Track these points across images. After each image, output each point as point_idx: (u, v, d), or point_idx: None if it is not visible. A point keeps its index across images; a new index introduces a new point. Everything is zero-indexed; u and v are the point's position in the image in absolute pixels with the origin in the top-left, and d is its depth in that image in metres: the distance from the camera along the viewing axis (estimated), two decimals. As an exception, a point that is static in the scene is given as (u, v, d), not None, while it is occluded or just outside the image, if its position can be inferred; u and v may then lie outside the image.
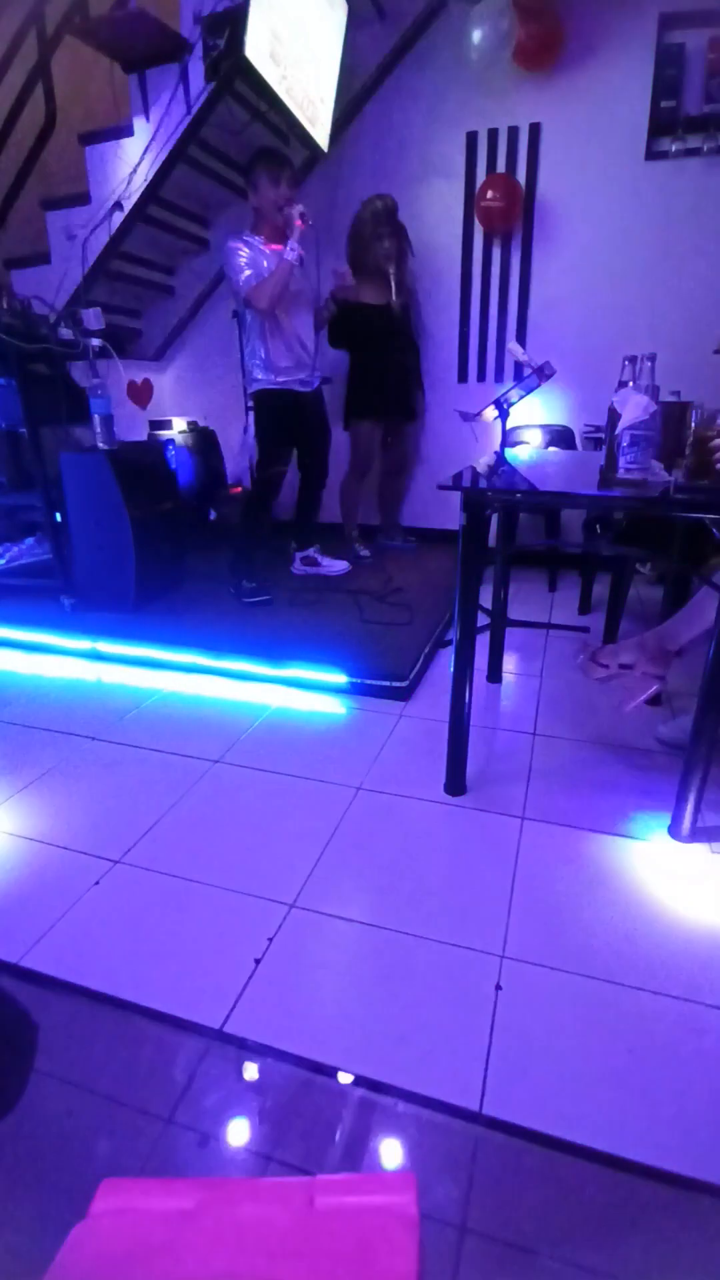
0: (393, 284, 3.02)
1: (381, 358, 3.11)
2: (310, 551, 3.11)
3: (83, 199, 2.95)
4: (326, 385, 2.96)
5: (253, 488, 2.82)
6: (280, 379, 2.69)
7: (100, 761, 1.76)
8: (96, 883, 1.32)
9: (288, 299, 2.59)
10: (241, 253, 2.49)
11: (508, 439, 2.18)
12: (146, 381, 3.70)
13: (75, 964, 1.13)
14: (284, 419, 2.76)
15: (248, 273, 2.49)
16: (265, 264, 2.51)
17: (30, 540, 3.08)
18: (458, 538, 1.44)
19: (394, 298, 3.04)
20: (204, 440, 3.71)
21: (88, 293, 3.03)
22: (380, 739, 1.86)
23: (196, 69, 2.57)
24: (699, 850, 1.40)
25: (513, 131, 3.04)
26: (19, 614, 2.64)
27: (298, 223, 2.49)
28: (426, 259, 3.31)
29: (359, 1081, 0.93)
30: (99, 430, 2.52)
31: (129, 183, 2.81)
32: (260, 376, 2.68)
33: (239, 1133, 0.88)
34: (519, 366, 3.23)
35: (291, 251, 2.49)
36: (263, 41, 2.47)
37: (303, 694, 2.14)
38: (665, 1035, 1.00)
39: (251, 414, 2.75)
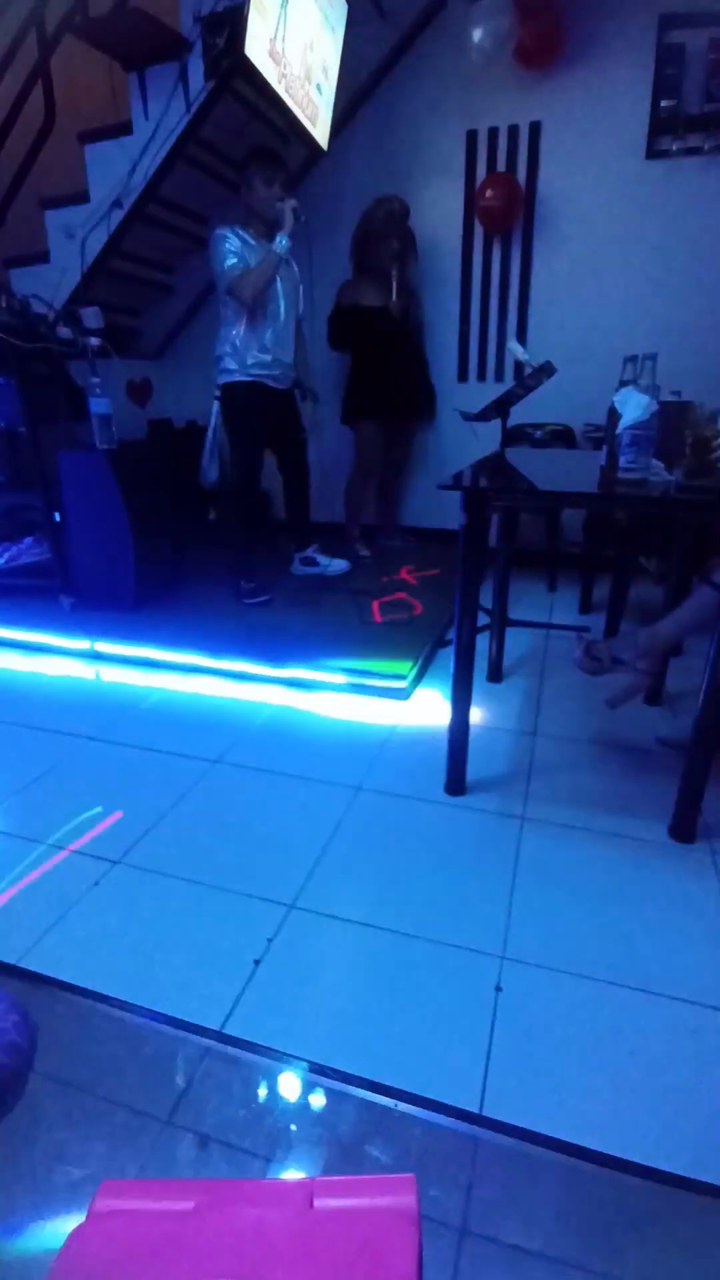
0: (394, 286, 3.02)
1: (382, 359, 3.10)
2: (309, 551, 3.10)
3: (82, 198, 2.94)
4: (302, 395, 2.92)
5: (234, 485, 2.80)
6: (251, 370, 2.63)
7: (99, 761, 1.76)
8: (96, 883, 1.32)
9: (271, 295, 2.58)
10: (229, 241, 2.48)
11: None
12: (146, 380, 3.70)
13: (75, 964, 1.13)
14: (254, 413, 2.69)
15: (233, 260, 2.47)
16: (252, 258, 2.50)
17: (29, 540, 3.08)
18: (458, 538, 1.43)
19: (392, 299, 3.03)
20: (203, 440, 3.69)
21: (87, 291, 3.02)
22: (380, 739, 1.86)
23: (196, 68, 2.57)
24: (699, 850, 1.40)
25: (513, 130, 3.04)
26: (18, 614, 2.64)
27: (290, 216, 2.48)
28: (427, 258, 3.30)
29: (359, 1082, 0.93)
30: (98, 429, 2.52)
31: (128, 181, 2.80)
32: (232, 366, 2.63)
33: (239, 1133, 0.88)
34: (519, 366, 3.23)
35: (280, 244, 2.47)
36: (262, 40, 2.46)
37: (303, 694, 2.14)
38: (666, 1036, 1.00)
39: (217, 405, 2.70)
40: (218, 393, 2.70)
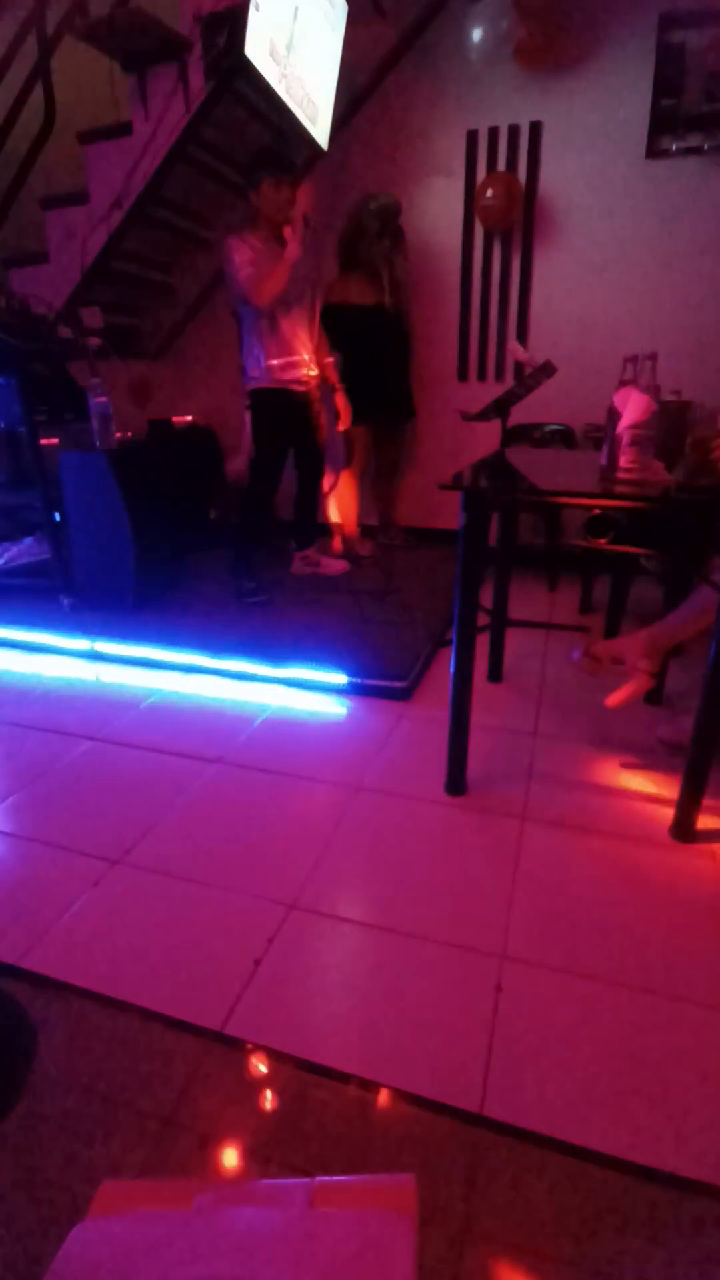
0: (385, 284, 3.01)
1: (373, 358, 3.09)
2: (310, 551, 3.11)
3: (82, 198, 2.95)
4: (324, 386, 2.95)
5: (250, 487, 2.81)
6: (276, 378, 2.67)
7: (100, 761, 1.76)
8: (96, 883, 1.32)
9: (286, 299, 2.59)
10: (241, 250, 2.49)
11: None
12: (146, 380, 3.70)
13: (75, 964, 1.13)
14: (280, 418, 2.74)
15: (249, 270, 2.49)
16: (264, 264, 2.51)
17: (29, 540, 3.08)
18: (458, 538, 1.43)
19: (386, 298, 3.03)
20: (204, 439, 3.71)
21: (87, 292, 3.02)
22: (380, 739, 1.86)
23: (196, 68, 2.57)
24: (700, 850, 1.40)
25: (513, 130, 3.04)
26: (18, 614, 2.64)
27: (300, 222, 2.49)
28: (426, 258, 3.30)
29: (359, 1082, 0.93)
30: (98, 429, 2.52)
31: (128, 182, 2.81)
32: (256, 375, 2.67)
33: (239, 1133, 0.88)
34: (519, 366, 3.23)
35: (292, 250, 2.48)
36: (262, 40, 2.46)
37: (302, 694, 2.14)
38: (666, 1036, 1.00)
39: (248, 413, 2.75)
40: (248, 402, 2.74)
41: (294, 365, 2.69)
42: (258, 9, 2.38)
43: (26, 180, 3.10)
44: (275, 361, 2.65)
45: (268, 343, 2.63)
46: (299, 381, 2.73)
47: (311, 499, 3.03)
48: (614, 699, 1.71)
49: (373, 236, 2.94)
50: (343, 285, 3.03)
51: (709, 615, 1.46)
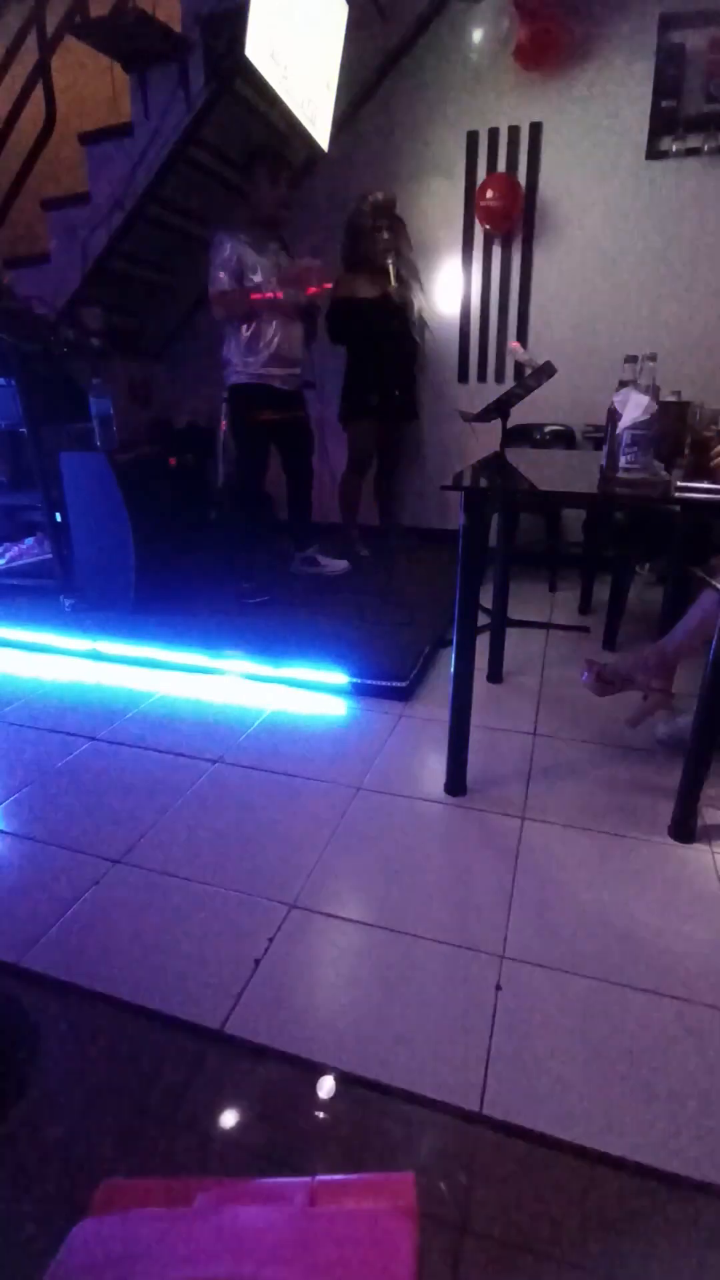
0: (391, 276, 3.01)
1: (378, 354, 3.09)
2: (310, 551, 3.11)
3: (83, 199, 2.95)
4: (311, 390, 2.95)
5: (238, 484, 2.81)
6: (256, 371, 2.65)
7: (100, 761, 1.76)
8: (96, 883, 1.32)
9: (278, 307, 2.60)
10: (223, 251, 2.51)
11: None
12: (146, 380, 3.70)
13: (75, 964, 1.13)
14: (260, 413, 2.71)
15: (221, 275, 2.52)
16: (248, 260, 2.53)
17: (30, 540, 3.08)
18: (458, 538, 1.43)
19: (392, 285, 3.02)
20: (204, 440, 3.70)
21: (87, 292, 3.02)
22: (380, 739, 1.86)
23: (197, 69, 2.57)
24: (699, 850, 1.40)
25: (513, 131, 3.04)
26: (19, 614, 2.64)
27: (311, 289, 2.59)
28: (426, 258, 3.30)
29: (359, 1081, 0.93)
30: (99, 430, 2.52)
31: (129, 182, 2.81)
32: (238, 368, 2.66)
33: (239, 1133, 0.88)
34: (519, 366, 3.23)
35: (271, 309, 2.54)
36: (263, 41, 2.46)
37: (303, 694, 2.14)
38: (666, 1036, 1.00)
39: (225, 406, 2.74)
40: (226, 394, 2.72)
41: (276, 361, 2.67)
42: (258, 11, 2.37)
43: (26, 180, 3.10)
44: (257, 355, 2.63)
45: (252, 337, 2.61)
46: (280, 378, 2.71)
47: (302, 501, 3.02)
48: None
49: (372, 232, 2.94)
50: (349, 281, 3.03)
51: (714, 623, 1.46)
